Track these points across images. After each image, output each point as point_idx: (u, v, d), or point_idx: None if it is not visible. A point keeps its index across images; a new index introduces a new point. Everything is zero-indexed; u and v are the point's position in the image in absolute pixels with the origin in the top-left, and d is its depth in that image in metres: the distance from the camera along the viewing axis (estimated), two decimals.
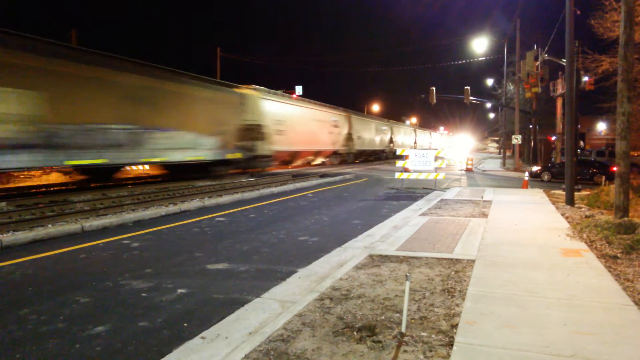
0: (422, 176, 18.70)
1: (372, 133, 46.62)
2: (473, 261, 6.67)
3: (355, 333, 4.24)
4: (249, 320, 4.76)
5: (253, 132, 23.18)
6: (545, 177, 24.83)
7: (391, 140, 53.41)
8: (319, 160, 36.51)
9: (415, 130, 68.45)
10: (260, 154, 23.61)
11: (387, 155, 51.63)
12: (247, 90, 23.88)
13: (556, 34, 25.52)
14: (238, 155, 21.78)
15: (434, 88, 34.02)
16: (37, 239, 8.72)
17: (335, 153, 37.53)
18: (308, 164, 34.72)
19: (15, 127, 12.00)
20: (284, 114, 27.59)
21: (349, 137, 39.58)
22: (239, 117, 22.24)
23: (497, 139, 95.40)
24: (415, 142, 66.06)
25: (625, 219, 8.92)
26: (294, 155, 30.52)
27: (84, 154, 13.87)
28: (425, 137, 75.44)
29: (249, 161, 22.87)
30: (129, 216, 10.94)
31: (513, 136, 35.13)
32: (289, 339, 4.13)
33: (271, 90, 26.85)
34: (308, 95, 38.74)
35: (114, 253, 7.89)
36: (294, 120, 28.98)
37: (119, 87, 15.32)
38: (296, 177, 23.24)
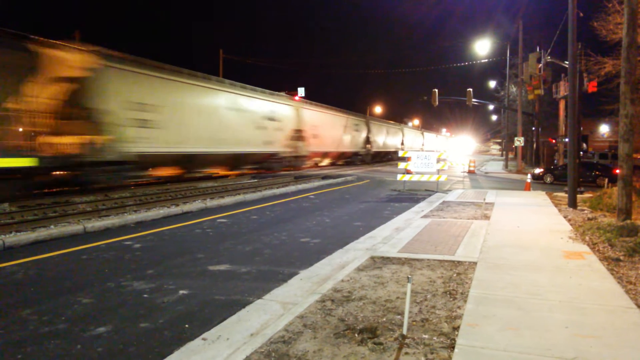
0: (424, 178, 18.69)
1: (337, 130, 36.68)
2: (475, 263, 6.66)
3: (356, 335, 4.23)
4: (250, 321, 4.76)
5: None
6: (548, 179, 24.78)
7: (368, 141, 43.79)
8: (241, 169, 25.32)
9: (402, 130, 58.32)
10: None
11: (362, 159, 42.57)
12: None
13: (559, 36, 25.57)
14: None
15: (436, 90, 34.03)
16: (39, 239, 8.74)
17: (273, 157, 26.45)
18: (210, 177, 23.59)
19: None
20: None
21: (298, 136, 28.94)
22: None
23: (499, 141, 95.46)
24: (402, 144, 56.23)
25: (628, 221, 8.90)
26: (162, 159, 18.62)
27: None
28: (416, 137, 66.36)
29: None
30: (131, 217, 10.96)
31: (515, 138, 35.11)
32: (290, 341, 4.13)
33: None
34: (310, 97, 37.24)
35: (115, 254, 7.90)
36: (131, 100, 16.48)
37: None
38: (298, 178, 23.25)
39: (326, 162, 37.35)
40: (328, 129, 34.63)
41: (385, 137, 49.65)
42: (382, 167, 38.22)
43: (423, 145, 68.13)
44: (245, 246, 8.49)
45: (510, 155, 51.97)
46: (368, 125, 44.20)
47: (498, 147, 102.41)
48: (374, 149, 45.25)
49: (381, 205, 14.56)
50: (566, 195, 14.26)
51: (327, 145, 34.63)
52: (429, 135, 77.36)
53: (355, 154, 41.48)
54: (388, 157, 50.98)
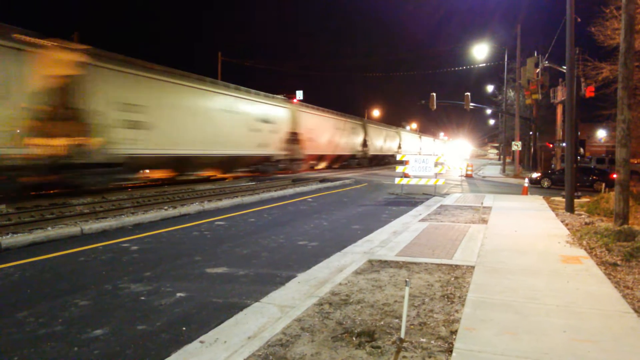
0: (422, 182, 18.70)
1: (232, 122, 22.44)
2: (472, 267, 6.66)
3: (354, 338, 4.23)
4: (247, 324, 4.75)
5: None
6: (545, 183, 24.84)
7: (295, 139, 29.64)
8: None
9: (365, 126, 44.73)
10: None
11: (268, 168, 27.09)
12: None
13: (557, 41, 25.65)
14: None
15: (434, 94, 34.11)
16: (36, 241, 8.71)
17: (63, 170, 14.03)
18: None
19: None
20: None
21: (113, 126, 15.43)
22: None
23: (497, 145, 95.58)
24: (365, 145, 44.53)
25: (625, 226, 8.92)
26: None
27: None
28: (388, 138, 53.05)
29: None
30: (129, 219, 10.93)
31: (513, 142, 35.20)
32: (288, 344, 4.12)
33: None
34: (308, 100, 36.72)
35: (113, 256, 7.88)
36: None
37: None
38: (296, 181, 23.24)
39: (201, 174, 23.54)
40: (207, 114, 20.87)
41: (341, 136, 37.91)
42: (379, 171, 38.21)
43: (400, 147, 56.80)
44: (242, 249, 8.48)
45: (508, 160, 52.01)
46: (293, 116, 29.85)
47: (495, 151, 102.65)
48: (308, 151, 31.94)
49: (379, 208, 14.56)
50: (563, 199, 14.29)
51: (209, 143, 20.93)
52: (408, 136, 64.82)
53: (265, 158, 26.59)
54: (342, 163, 40.93)
